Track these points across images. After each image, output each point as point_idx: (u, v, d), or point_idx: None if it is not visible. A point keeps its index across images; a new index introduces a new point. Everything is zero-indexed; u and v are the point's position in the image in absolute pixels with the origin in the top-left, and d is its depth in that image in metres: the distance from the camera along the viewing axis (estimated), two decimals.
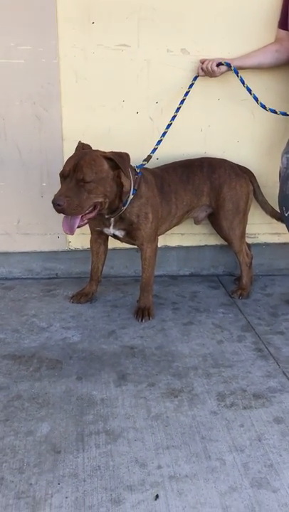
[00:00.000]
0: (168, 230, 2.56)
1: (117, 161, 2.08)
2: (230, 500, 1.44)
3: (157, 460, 1.57)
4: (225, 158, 2.61)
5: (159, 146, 2.50)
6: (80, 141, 2.25)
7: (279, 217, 2.60)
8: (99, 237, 2.50)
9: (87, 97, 2.49)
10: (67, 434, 1.67)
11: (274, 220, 2.74)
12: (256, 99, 2.40)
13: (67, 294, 2.63)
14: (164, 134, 2.45)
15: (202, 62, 2.41)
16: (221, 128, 2.63)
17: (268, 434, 1.69)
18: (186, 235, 2.82)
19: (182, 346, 2.20)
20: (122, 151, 2.13)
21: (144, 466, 1.55)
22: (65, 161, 2.10)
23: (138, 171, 2.30)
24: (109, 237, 2.50)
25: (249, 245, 2.72)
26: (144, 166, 2.39)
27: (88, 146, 2.23)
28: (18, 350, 2.14)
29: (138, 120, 2.56)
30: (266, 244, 2.89)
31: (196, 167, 2.50)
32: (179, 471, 1.53)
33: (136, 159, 2.59)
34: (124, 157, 2.11)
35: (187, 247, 2.87)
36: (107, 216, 2.28)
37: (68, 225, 2.12)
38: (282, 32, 2.40)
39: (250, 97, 2.49)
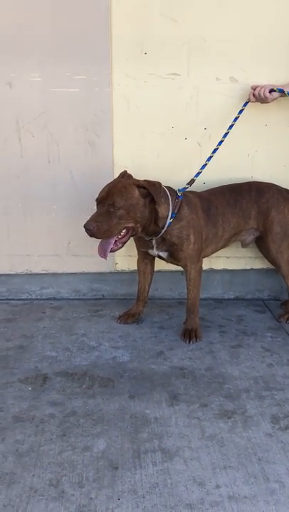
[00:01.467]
0: (214, 252, 2.58)
1: (150, 190, 2.19)
2: None
3: (215, 479, 1.56)
4: (272, 182, 2.64)
5: (206, 171, 2.56)
6: (125, 170, 2.34)
7: None
8: (145, 258, 2.55)
9: (138, 123, 2.58)
10: (124, 450, 1.68)
11: None
12: None
13: (114, 314, 2.67)
14: (209, 159, 2.50)
15: (254, 88, 2.46)
16: (268, 153, 2.67)
17: None
18: (232, 258, 2.84)
19: (232, 368, 2.19)
20: (157, 179, 2.27)
21: (202, 485, 1.54)
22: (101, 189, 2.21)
23: (180, 194, 2.35)
24: (156, 258, 2.54)
25: None
26: (191, 190, 2.45)
27: (129, 176, 2.33)
28: (70, 367, 2.17)
29: (186, 146, 2.63)
30: None
31: (244, 191, 2.54)
32: (238, 491, 1.52)
33: (182, 183, 2.66)
34: (156, 186, 2.22)
35: (232, 271, 2.88)
36: (147, 239, 2.35)
37: (102, 249, 2.24)
38: None
39: None
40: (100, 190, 2.69)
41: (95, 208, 2.66)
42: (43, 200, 2.66)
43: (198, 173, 2.49)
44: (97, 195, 2.25)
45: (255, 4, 2.46)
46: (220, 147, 2.51)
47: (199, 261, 2.45)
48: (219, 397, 1.99)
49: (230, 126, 2.49)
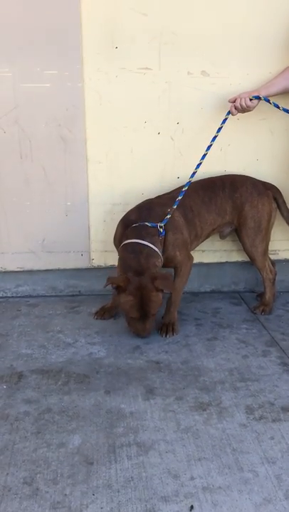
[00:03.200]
0: (195, 247, 2.61)
1: (164, 288, 2.26)
2: None
3: (190, 471, 1.57)
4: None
5: (180, 166, 2.57)
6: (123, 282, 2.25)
7: None
8: None
9: (111, 118, 2.57)
10: (99, 446, 1.68)
11: None
12: None
13: (91, 310, 2.66)
14: (198, 166, 2.46)
15: (233, 101, 2.42)
16: (241, 147, 2.68)
17: None
18: (207, 252, 2.86)
19: (207, 361, 2.21)
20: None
21: (177, 478, 1.55)
22: (128, 306, 2.25)
23: (162, 230, 2.32)
24: None
25: (273, 262, 2.74)
26: (161, 194, 2.49)
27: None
28: (46, 365, 2.16)
29: (159, 140, 2.63)
30: (287, 261, 2.91)
31: (217, 187, 2.55)
32: (212, 482, 1.53)
33: (157, 178, 2.67)
34: (170, 282, 2.30)
35: (208, 264, 2.90)
36: None
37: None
38: None
39: (269, 117, 2.56)
40: (73, 186, 2.69)
41: (68, 203, 2.67)
42: (15, 197, 2.64)
43: (182, 193, 2.43)
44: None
45: None
46: (203, 161, 2.47)
47: (190, 260, 2.48)
48: (195, 389, 2.00)
49: (214, 138, 2.45)
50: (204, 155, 2.46)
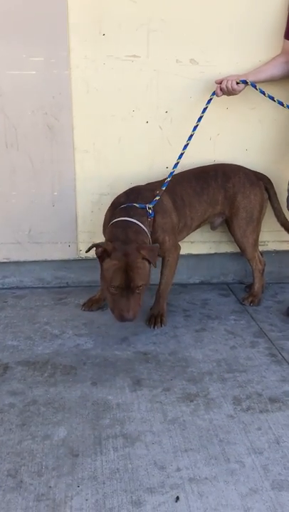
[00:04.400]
0: (186, 236, 2.58)
1: (151, 260, 2.14)
2: (252, 502, 1.42)
3: (176, 463, 1.56)
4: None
5: (169, 156, 2.53)
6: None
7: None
8: None
9: (98, 107, 2.53)
10: (85, 437, 1.66)
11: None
12: (281, 103, 2.39)
13: (79, 302, 2.64)
14: (180, 157, 2.44)
15: (219, 82, 2.41)
16: (230, 136, 2.65)
17: (285, 437, 1.68)
18: (196, 243, 2.83)
19: (195, 352, 2.20)
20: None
21: (163, 469, 1.53)
22: (111, 272, 2.08)
23: (150, 211, 2.27)
24: None
25: (262, 252, 2.72)
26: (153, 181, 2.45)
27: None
28: (32, 356, 2.14)
29: (148, 129, 2.59)
30: (276, 252, 2.90)
31: (210, 177, 2.52)
32: (199, 473, 1.52)
33: (145, 167, 2.63)
34: (155, 252, 2.18)
35: (197, 255, 2.88)
36: None
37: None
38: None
39: (259, 106, 2.53)
40: (60, 175, 2.65)
41: (55, 193, 2.63)
42: (1, 187, 2.59)
43: (171, 173, 2.41)
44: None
45: None
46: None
47: (177, 249, 2.45)
48: (182, 380, 1.98)
49: (200, 119, 2.44)
50: (191, 136, 2.44)
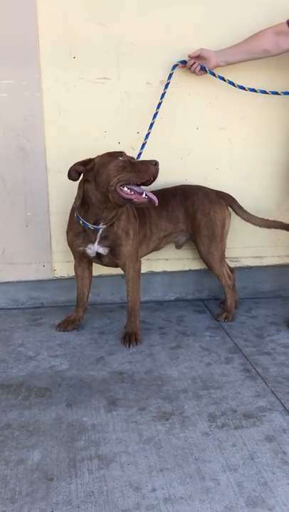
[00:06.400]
0: (147, 253, 2.61)
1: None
2: None
3: (151, 483, 1.56)
4: (205, 184, 2.68)
5: None
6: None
7: (271, 225, 2.66)
8: (82, 262, 2.52)
9: (70, 128, 2.56)
10: (59, 460, 1.65)
11: (256, 243, 2.82)
12: (242, 87, 2.47)
13: (54, 322, 2.63)
14: (147, 136, 2.53)
15: (190, 57, 2.46)
16: (201, 156, 2.71)
17: (260, 453, 1.69)
18: (171, 260, 2.86)
19: (171, 370, 2.20)
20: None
21: (138, 490, 1.53)
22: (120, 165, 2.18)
23: None
24: (94, 264, 2.53)
25: (231, 268, 2.76)
26: None
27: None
28: (6, 379, 2.11)
29: (120, 149, 2.61)
30: (249, 268, 2.95)
31: (170, 195, 2.59)
32: (174, 492, 1.52)
33: None
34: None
35: (172, 272, 2.90)
36: (98, 226, 2.31)
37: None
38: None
39: (228, 126, 2.61)
40: (33, 196, 2.66)
41: (28, 213, 2.64)
42: None
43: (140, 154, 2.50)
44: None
45: (181, 7, 2.49)
46: (151, 131, 2.55)
47: (137, 261, 2.45)
48: (158, 399, 1.99)
49: (158, 105, 2.52)
50: (151, 124, 2.53)
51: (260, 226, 2.69)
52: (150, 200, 2.20)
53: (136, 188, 2.19)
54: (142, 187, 2.21)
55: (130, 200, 2.18)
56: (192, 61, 2.47)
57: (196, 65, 2.45)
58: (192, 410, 1.92)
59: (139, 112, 2.59)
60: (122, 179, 2.16)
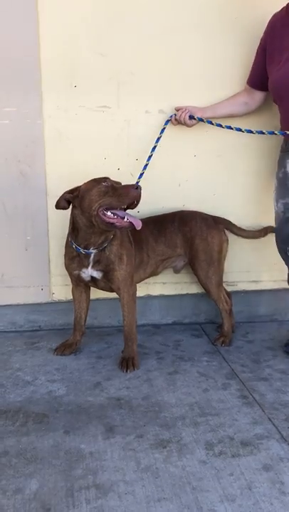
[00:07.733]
0: (144, 278, 2.63)
1: None
2: None
3: None
4: (202, 210, 2.72)
5: (141, 199, 2.60)
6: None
7: (268, 230, 2.74)
8: (78, 285, 2.54)
9: (71, 155, 2.60)
10: (57, 490, 1.65)
11: (252, 268, 2.85)
12: (239, 129, 2.52)
13: (51, 346, 2.63)
14: (145, 167, 2.59)
15: (177, 109, 2.56)
16: (198, 182, 2.76)
17: (257, 483, 1.69)
18: (168, 284, 2.89)
19: (168, 396, 2.21)
20: None
21: None
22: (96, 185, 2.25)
23: None
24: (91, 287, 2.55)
25: (229, 293, 2.79)
26: None
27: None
28: (4, 405, 2.11)
29: (119, 176, 2.65)
30: (245, 292, 2.98)
31: (167, 221, 2.63)
32: None
33: None
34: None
35: (169, 296, 2.93)
36: (89, 251, 2.34)
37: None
38: (251, 89, 2.57)
39: (224, 154, 2.66)
40: (33, 221, 2.69)
41: (28, 237, 2.65)
42: None
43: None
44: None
45: (181, 38, 2.56)
46: (145, 171, 2.60)
47: (132, 285, 2.47)
48: (155, 426, 1.99)
49: (153, 148, 2.58)
50: (145, 165, 2.59)
51: (262, 236, 2.76)
52: (131, 224, 2.23)
53: (119, 213, 2.23)
54: (127, 211, 2.25)
55: (112, 224, 2.22)
56: (180, 111, 2.54)
57: (184, 113, 2.53)
58: (189, 438, 1.92)
59: (138, 140, 2.64)
60: (103, 204, 2.21)
